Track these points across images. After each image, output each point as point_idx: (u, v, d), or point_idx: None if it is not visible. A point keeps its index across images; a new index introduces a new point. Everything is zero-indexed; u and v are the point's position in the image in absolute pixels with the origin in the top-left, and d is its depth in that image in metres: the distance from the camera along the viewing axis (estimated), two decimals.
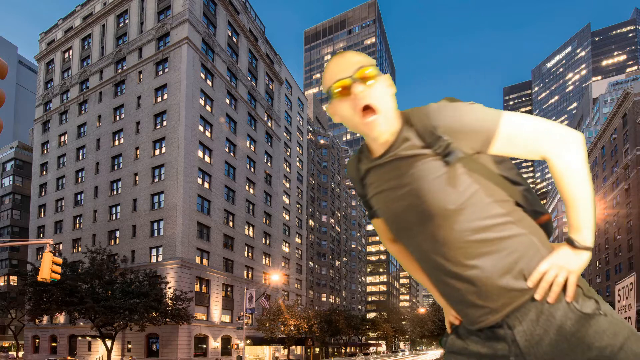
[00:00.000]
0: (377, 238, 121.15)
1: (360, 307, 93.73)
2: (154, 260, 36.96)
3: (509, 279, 1.10)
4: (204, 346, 37.47)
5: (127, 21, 43.48)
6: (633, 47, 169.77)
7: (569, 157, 1.11)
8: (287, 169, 59.43)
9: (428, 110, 1.16)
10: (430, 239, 1.16)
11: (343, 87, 1.16)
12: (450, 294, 1.21)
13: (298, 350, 56.07)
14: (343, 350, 72.71)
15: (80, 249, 42.15)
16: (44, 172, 48.94)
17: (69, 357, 37.44)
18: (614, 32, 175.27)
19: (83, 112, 46.22)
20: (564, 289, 1.10)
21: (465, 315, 1.21)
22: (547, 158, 1.13)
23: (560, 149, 1.11)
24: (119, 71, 43.13)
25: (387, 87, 1.18)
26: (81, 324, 37.81)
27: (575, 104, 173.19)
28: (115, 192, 41.27)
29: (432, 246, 1.16)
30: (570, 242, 1.13)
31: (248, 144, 48.25)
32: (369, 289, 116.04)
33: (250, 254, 46.52)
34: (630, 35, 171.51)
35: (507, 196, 1.18)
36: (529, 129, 1.13)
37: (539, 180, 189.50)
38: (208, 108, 41.12)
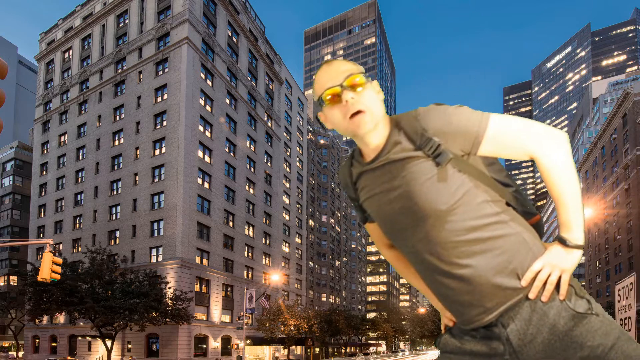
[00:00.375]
0: None
1: (360, 307, 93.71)
2: (154, 260, 36.96)
3: (502, 277, 1.12)
4: (204, 346, 37.47)
5: (127, 21, 43.48)
6: (633, 47, 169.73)
7: (556, 156, 1.13)
8: (287, 169, 59.44)
9: (417, 113, 1.19)
10: (424, 239, 1.18)
11: (333, 95, 1.20)
12: (445, 294, 1.23)
13: (298, 350, 56.07)
14: (343, 350, 72.70)
15: (80, 249, 42.15)
16: (44, 172, 48.93)
17: (69, 357, 37.44)
18: (614, 32, 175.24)
19: (83, 112, 46.22)
20: (557, 287, 1.12)
21: (460, 315, 1.22)
22: (535, 157, 1.16)
23: (547, 148, 1.14)
24: (119, 71, 43.13)
25: (375, 94, 1.22)
26: (81, 324, 37.81)
27: (575, 104, 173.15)
28: (115, 192, 41.27)
29: (426, 247, 1.18)
30: (562, 241, 1.14)
31: (248, 144, 48.25)
32: (369, 289, 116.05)
33: (250, 254, 46.52)
34: (630, 35, 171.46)
35: (498, 197, 1.20)
36: (516, 129, 1.16)
37: (538, 180, 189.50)
38: (208, 108, 41.12)
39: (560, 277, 1.12)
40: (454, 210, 1.13)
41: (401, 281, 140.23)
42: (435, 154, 1.14)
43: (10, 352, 54.72)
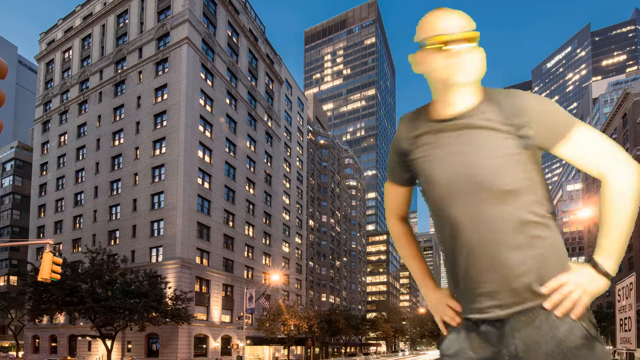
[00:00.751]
0: (377, 238, 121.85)
1: (360, 307, 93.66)
2: (154, 260, 36.95)
3: (529, 279, 1.12)
4: (204, 346, 37.46)
5: (127, 21, 43.47)
6: (633, 47, 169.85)
7: (626, 182, 1.12)
8: (287, 169, 59.42)
9: (515, 91, 1.20)
10: (472, 212, 1.16)
11: (442, 42, 1.17)
12: (467, 278, 1.21)
13: (298, 350, 56.05)
14: (343, 350, 72.65)
15: (80, 249, 42.14)
16: (44, 172, 48.93)
17: (69, 357, 37.43)
18: (614, 32, 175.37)
19: (83, 112, 46.21)
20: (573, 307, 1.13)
21: (474, 302, 1.21)
22: (604, 175, 1.15)
23: (621, 173, 1.13)
24: (119, 71, 43.13)
25: (481, 60, 1.18)
26: (81, 324, 37.80)
27: (575, 104, 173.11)
28: (115, 192, 41.26)
29: (471, 222, 1.16)
30: (594, 265, 1.15)
31: (248, 144, 48.24)
32: (369, 289, 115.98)
33: (250, 254, 46.51)
34: (630, 35, 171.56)
35: (547, 202, 1.20)
36: (598, 142, 1.16)
37: None
38: (208, 108, 41.11)
39: (580, 298, 1.12)
40: (513, 196, 1.12)
41: (401, 281, 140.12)
42: (523, 134, 1.14)
43: (10, 352, 54.71)
